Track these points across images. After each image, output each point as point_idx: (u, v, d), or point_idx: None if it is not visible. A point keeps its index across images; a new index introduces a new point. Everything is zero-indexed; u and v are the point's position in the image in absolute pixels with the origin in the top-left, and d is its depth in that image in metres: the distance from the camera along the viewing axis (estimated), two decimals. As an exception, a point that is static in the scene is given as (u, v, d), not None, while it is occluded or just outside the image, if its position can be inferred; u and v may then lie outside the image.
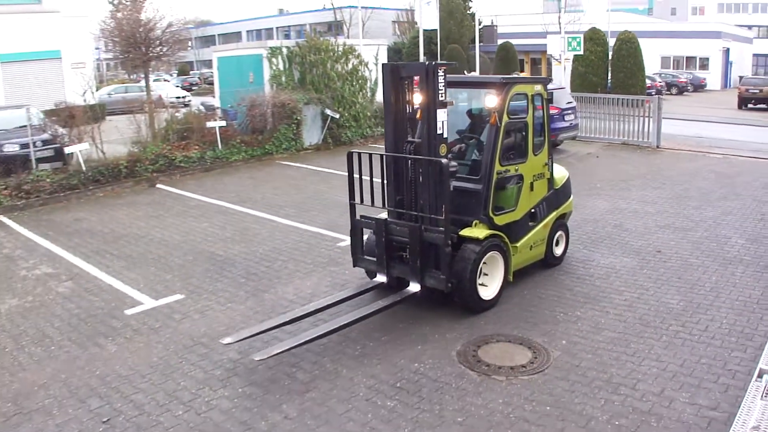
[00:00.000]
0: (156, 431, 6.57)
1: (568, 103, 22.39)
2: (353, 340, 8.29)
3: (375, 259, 9.38)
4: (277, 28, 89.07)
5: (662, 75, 60.53)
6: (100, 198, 17.14)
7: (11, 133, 19.42)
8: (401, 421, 6.58)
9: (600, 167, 19.71)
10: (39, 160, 18.17)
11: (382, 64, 9.32)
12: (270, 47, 24.09)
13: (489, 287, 9.21)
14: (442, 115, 8.54)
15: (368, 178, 9.34)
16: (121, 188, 17.93)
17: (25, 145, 18.24)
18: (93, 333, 8.90)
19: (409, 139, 9.08)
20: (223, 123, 21.82)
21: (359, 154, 9.40)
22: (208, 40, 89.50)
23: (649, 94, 35.61)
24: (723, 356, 7.73)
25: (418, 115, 9.02)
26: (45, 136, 19.03)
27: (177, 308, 9.64)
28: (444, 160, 8.46)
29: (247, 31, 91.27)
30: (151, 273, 11.05)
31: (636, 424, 6.41)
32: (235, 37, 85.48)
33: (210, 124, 21.50)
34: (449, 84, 9.29)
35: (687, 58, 69.57)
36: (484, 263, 9.02)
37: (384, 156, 9.26)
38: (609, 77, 40.19)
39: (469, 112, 10.64)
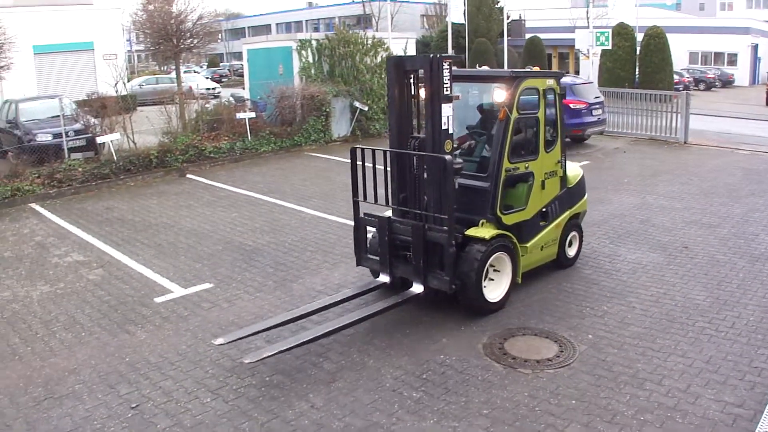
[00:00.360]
0: (184, 418, 6.64)
1: (596, 97, 22.26)
2: (380, 332, 8.32)
3: (378, 258, 9.21)
4: (306, 21, 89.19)
5: (690, 70, 59.96)
6: (130, 187, 17.30)
7: (44, 123, 19.71)
8: (427, 412, 6.60)
9: (627, 162, 19.59)
10: (71, 150, 18.40)
11: (386, 57, 9.17)
12: (299, 40, 24.14)
13: (496, 289, 8.92)
14: (447, 110, 8.30)
15: (376, 180, 9.23)
16: (152, 178, 18.09)
17: (57, 135, 18.49)
18: (123, 320, 9.01)
19: (414, 135, 8.97)
20: (253, 114, 21.93)
21: (362, 149, 9.17)
22: (238, 33, 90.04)
23: (677, 90, 35.32)
24: (749, 353, 7.67)
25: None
26: (77, 126, 19.28)
27: (206, 297, 9.72)
28: (448, 157, 8.21)
29: (277, 24, 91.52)
30: (181, 262, 11.15)
31: (661, 419, 6.39)
32: (264, 29, 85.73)
33: (240, 115, 21.62)
34: (458, 78, 9.19)
35: (715, 53, 68.67)
36: (491, 264, 8.78)
37: (387, 152, 9.10)
38: (636, 72, 39.90)
39: (480, 107, 10.31)
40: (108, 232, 13.10)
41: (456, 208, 8.43)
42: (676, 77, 45.37)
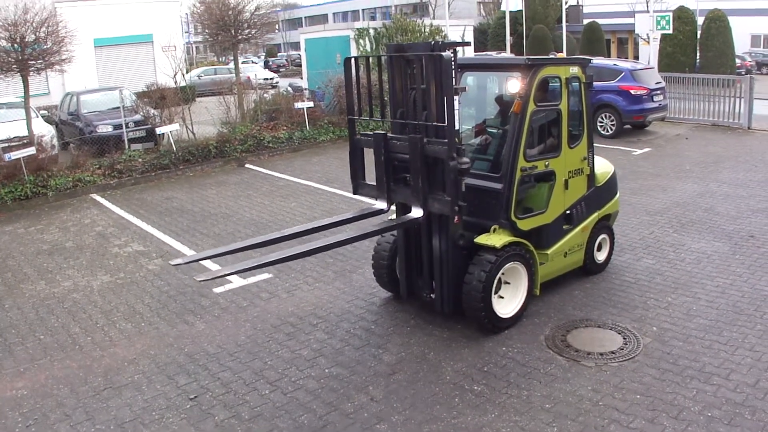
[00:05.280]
0: (242, 410, 6.63)
1: (657, 83, 21.82)
2: (439, 325, 8.21)
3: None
4: (362, 9, 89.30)
5: (752, 54, 58.52)
6: (189, 177, 17.43)
7: (105, 114, 20.03)
8: (488, 406, 6.49)
9: (689, 149, 19.16)
10: (131, 141, 18.71)
11: (387, 46, 8.36)
12: (357, 28, 24.10)
13: (509, 303, 8.17)
14: (452, 103, 7.25)
15: (371, 96, 8.58)
16: (211, 168, 18.20)
17: (118, 126, 18.78)
18: (182, 310, 9.04)
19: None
20: (311, 104, 21.95)
21: (356, 58, 8.35)
22: (295, 23, 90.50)
23: (739, 74, 34.55)
24: (822, 347, 7.43)
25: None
26: (137, 117, 19.58)
27: (265, 287, 9.71)
28: (446, 54, 7.20)
29: (333, 14, 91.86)
30: (241, 253, 11.13)
31: (729, 416, 6.19)
32: (321, 19, 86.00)
33: (298, 105, 21.65)
34: (471, 67, 8.78)
35: (778, 36, 67.04)
36: (503, 274, 7.98)
37: (388, 58, 8.14)
38: (697, 57, 39.14)
39: (499, 99, 9.29)
40: (167, 222, 13.19)
41: (466, 212, 7.71)
42: (738, 61, 44.39)
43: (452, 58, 7.24)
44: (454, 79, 7.27)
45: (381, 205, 8.26)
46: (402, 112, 8.09)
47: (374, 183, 8.30)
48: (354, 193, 8.75)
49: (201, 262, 9.33)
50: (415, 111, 7.88)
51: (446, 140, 7.35)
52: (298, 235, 7.93)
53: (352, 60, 8.33)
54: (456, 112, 7.32)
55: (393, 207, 8.51)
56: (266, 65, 66.82)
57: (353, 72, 8.31)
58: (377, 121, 8.93)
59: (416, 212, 7.79)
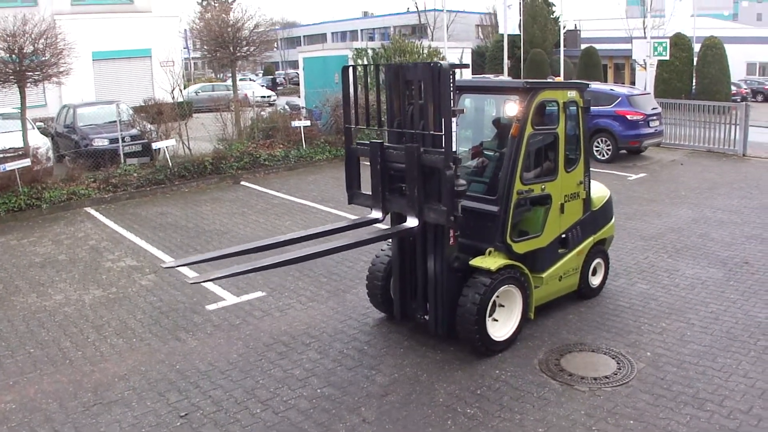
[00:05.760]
0: (233, 429, 6.57)
1: (653, 108, 21.95)
2: (433, 347, 8.16)
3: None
4: (361, 30, 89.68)
5: (748, 81, 58.88)
6: (185, 193, 17.39)
7: (101, 128, 20.03)
8: (481, 429, 6.45)
9: (684, 175, 19.21)
10: (127, 155, 18.66)
11: (385, 66, 8.39)
12: (355, 48, 24.18)
13: (504, 326, 8.11)
14: (449, 113, 7.24)
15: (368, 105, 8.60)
16: (206, 184, 18.16)
17: (114, 140, 18.77)
18: (174, 327, 8.98)
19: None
20: (308, 123, 21.97)
21: (354, 67, 8.42)
22: (293, 41, 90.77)
23: (734, 101, 34.75)
24: (816, 375, 7.42)
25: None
26: (133, 131, 19.57)
27: (258, 305, 9.66)
28: (444, 63, 7.27)
29: (332, 33, 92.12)
30: (234, 257, 11.09)
31: (724, 443, 6.17)
32: (320, 38, 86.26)
33: (295, 123, 21.67)
34: (469, 89, 8.79)
35: (773, 64, 67.39)
36: (497, 297, 7.95)
37: (386, 76, 8.19)
38: (693, 83, 39.38)
39: (497, 122, 9.29)
40: (161, 237, 13.14)
41: (462, 234, 7.84)
42: (733, 88, 44.69)
43: (450, 69, 7.24)
44: (452, 92, 7.25)
45: (376, 214, 8.23)
46: (399, 122, 8.08)
47: (369, 193, 8.26)
48: (349, 203, 8.71)
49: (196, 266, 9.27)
50: (412, 122, 7.87)
51: (443, 150, 7.30)
52: (292, 242, 7.88)
53: (350, 69, 8.33)
54: (453, 134, 7.27)
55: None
56: (274, 82, 66.95)
57: (351, 81, 8.30)
58: (374, 130, 8.83)
59: (411, 222, 7.73)
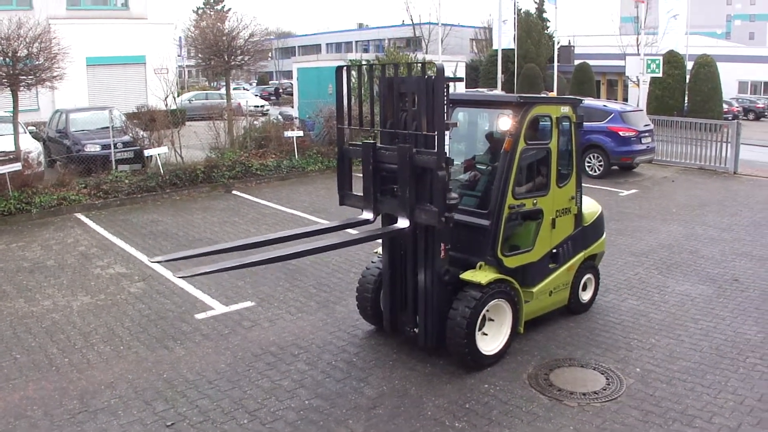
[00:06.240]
0: (220, 439, 6.52)
1: (646, 125, 22.06)
2: (422, 360, 8.13)
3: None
4: (356, 41, 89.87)
5: (739, 100, 59.30)
6: (176, 201, 17.35)
7: (93, 134, 20.01)
8: (469, 444, 6.42)
9: (676, 192, 19.27)
10: (119, 161, 18.62)
11: (380, 78, 8.37)
12: (350, 60, 24.16)
13: (493, 340, 8.08)
14: (442, 113, 7.24)
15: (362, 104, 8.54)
16: (198, 193, 18.12)
17: (106, 146, 18.73)
18: (162, 335, 8.93)
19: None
20: (301, 133, 21.97)
21: (348, 68, 8.43)
22: (288, 51, 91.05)
23: (726, 119, 34.93)
24: (804, 393, 7.43)
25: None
26: (126, 138, 19.53)
27: (247, 315, 9.62)
28: (438, 63, 7.24)
29: (327, 44, 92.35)
30: (223, 279, 11.06)
31: (712, 460, 6.16)
32: (314, 49, 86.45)
33: (288, 133, 21.69)
34: (463, 103, 8.78)
35: (765, 83, 67.42)
36: (487, 311, 7.91)
37: (381, 82, 8.19)
38: (685, 100, 39.58)
39: (490, 136, 9.22)
40: (151, 245, 13.09)
41: (452, 247, 7.81)
42: (725, 106, 45.03)
43: (444, 69, 7.22)
44: (446, 102, 7.28)
45: (367, 215, 8.16)
46: (391, 123, 8.06)
47: (361, 194, 8.21)
48: (340, 204, 8.64)
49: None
50: (405, 124, 7.88)
51: (435, 150, 7.27)
52: (281, 240, 7.88)
53: (344, 69, 8.34)
54: (446, 147, 7.28)
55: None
56: (276, 92, 66.97)
57: (344, 82, 8.30)
58: (367, 131, 8.80)
59: (402, 223, 7.68)
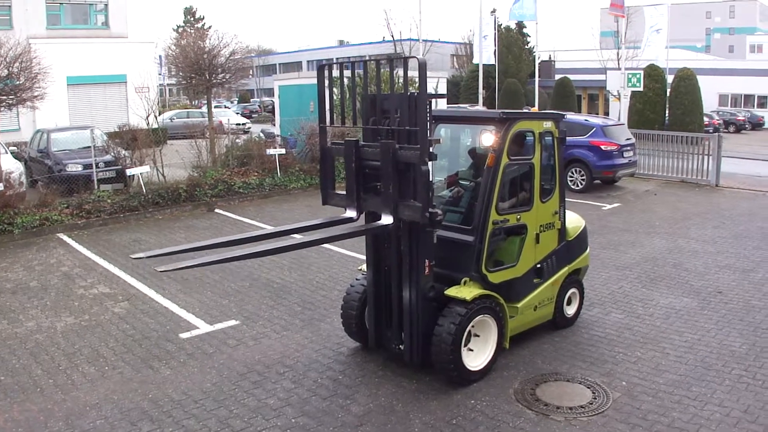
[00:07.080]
0: (207, 458, 6.50)
1: (627, 139, 22.21)
2: (408, 376, 8.12)
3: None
4: (336, 58, 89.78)
5: (720, 113, 59.82)
6: (159, 220, 17.29)
7: (75, 153, 19.95)
8: (456, 461, 6.41)
9: (658, 205, 19.38)
10: (101, 181, 18.57)
11: (362, 96, 8.36)
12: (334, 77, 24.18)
13: (479, 355, 8.08)
14: (425, 108, 7.24)
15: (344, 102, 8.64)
16: (180, 211, 18.07)
17: (87, 166, 18.68)
18: (147, 355, 8.89)
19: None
20: (283, 151, 21.95)
21: (330, 65, 8.39)
22: (269, 69, 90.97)
23: (707, 132, 35.18)
24: (790, 404, 7.46)
25: None
26: (107, 157, 19.48)
27: (232, 334, 9.59)
28: (420, 58, 7.19)
29: (308, 61, 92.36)
30: (207, 297, 11.04)
31: (700, 473, 6.18)
32: (295, 66, 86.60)
33: (270, 151, 21.67)
34: (445, 119, 8.78)
35: (745, 95, 68.28)
36: (473, 327, 7.90)
37: (363, 100, 8.25)
38: (666, 114, 39.84)
39: (472, 152, 9.34)
40: (134, 264, 13.02)
41: (437, 263, 7.84)
42: (706, 119, 45.36)
43: (426, 64, 7.21)
44: (429, 120, 7.30)
45: (350, 213, 8.13)
46: (374, 120, 8.07)
47: (344, 192, 8.20)
48: (323, 203, 8.59)
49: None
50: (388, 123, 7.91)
51: (418, 146, 7.27)
52: (263, 237, 8.01)
53: (326, 68, 8.32)
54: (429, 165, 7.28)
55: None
56: (261, 106, 67.25)
57: (326, 81, 8.28)
58: (350, 129, 8.82)
59: (386, 219, 7.67)
